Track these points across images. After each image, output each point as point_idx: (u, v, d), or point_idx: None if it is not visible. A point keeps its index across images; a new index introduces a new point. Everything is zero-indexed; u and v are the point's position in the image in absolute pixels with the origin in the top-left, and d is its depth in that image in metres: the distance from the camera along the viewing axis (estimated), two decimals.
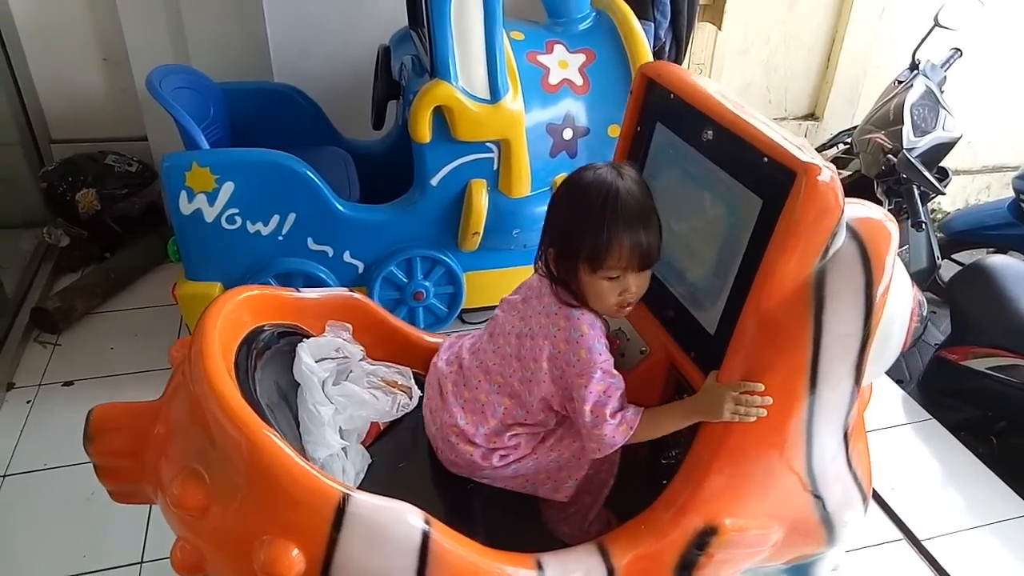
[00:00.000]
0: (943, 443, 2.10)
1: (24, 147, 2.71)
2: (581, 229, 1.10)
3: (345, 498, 0.99)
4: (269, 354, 1.27)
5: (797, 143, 1.04)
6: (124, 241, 2.68)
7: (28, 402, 2.08)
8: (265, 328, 1.28)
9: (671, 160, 1.30)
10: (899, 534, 1.81)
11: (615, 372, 1.17)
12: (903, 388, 2.30)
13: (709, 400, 1.11)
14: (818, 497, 1.17)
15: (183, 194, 1.89)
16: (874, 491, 1.31)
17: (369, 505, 1.01)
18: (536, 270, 1.24)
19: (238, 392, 1.05)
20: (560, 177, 2.14)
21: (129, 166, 2.70)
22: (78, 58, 2.66)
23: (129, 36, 2.47)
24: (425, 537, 1.02)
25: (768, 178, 1.05)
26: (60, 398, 2.11)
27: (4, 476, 1.85)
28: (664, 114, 1.30)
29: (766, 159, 1.04)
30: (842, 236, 1.05)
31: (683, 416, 1.15)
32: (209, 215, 1.93)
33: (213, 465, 1.04)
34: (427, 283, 2.22)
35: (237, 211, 1.93)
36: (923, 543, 1.78)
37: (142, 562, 1.65)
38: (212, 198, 1.90)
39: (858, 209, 1.11)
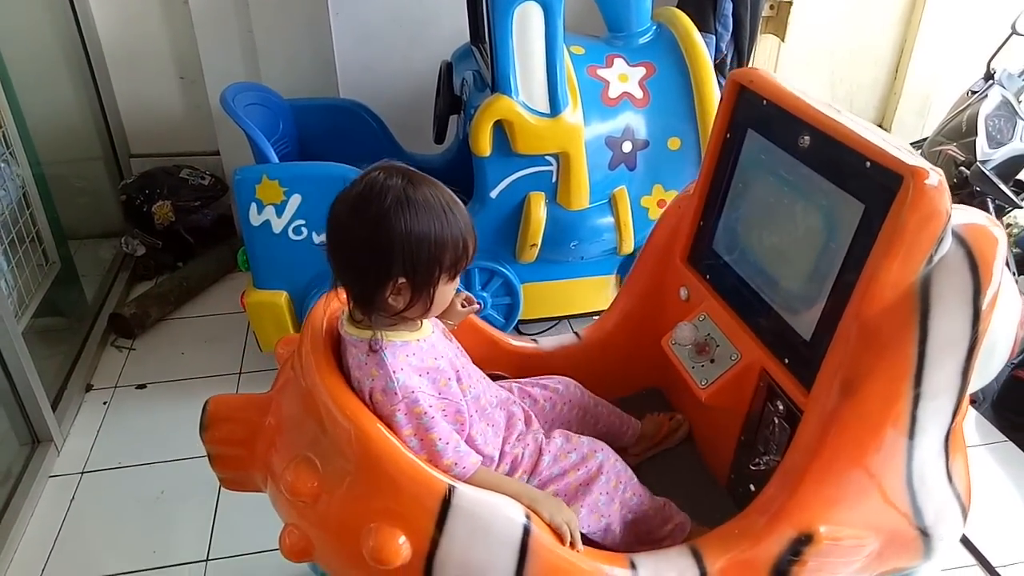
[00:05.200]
0: (1019, 466, 2.01)
1: (106, 161, 2.85)
2: (440, 241, 1.05)
3: (451, 490, 1.03)
4: None
5: (900, 146, 1.03)
6: (196, 251, 2.78)
7: (104, 403, 2.18)
8: None
9: (764, 167, 1.30)
10: (972, 560, 1.74)
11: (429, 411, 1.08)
12: (976, 408, 2.21)
13: (550, 501, 1.12)
14: (916, 509, 1.14)
15: (253, 206, 1.96)
16: None
17: (474, 499, 1.04)
18: (352, 317, 1.13)
19: (346, 384, 1.09)
20: (619, 190, 2.14)
21: (202, 179, 2.81)
22: (157, 77, 2.80)
23: (204, 56, 2.58)
24: (526, 532, 1.04)
25: (871, 182, 1.04)
26: (134, 400, 2.20)
27: (82, 473, 1.94)
28: (756, 120, 1.30)
29: (869, 163, 1.03)
30: (948, 241, 1.03)
31: (516, 494, 1.11)
32: (277, 226, 1.99)
33: (325, 454, 1.08)
34: (485, 294, 2.24)
35: (304, 222, 1.99)
36: (998, 570, 1.70)
37: (207, 560, 1.71)
38: (280, 210, 1.97)
39: (963, 215, 1.09)
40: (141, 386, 2.25)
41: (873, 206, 1.04)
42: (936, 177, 0.97)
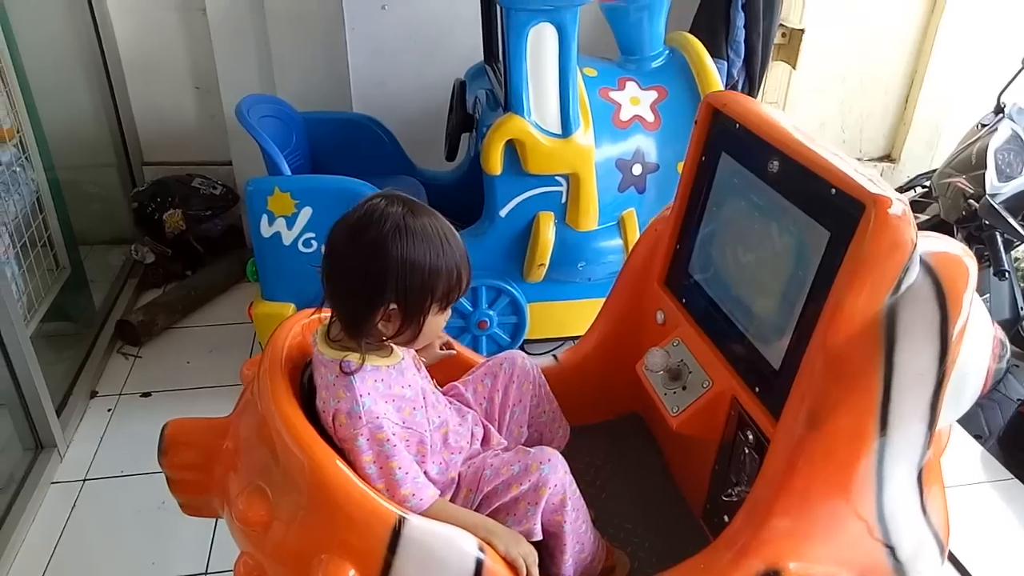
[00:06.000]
0: None
1: (119, 168, 2.87)
2: (434, 271, 1.06)
3: (401, 521, 1.01)
4: None
5: (867, 174, 1.01)
6: (205, 260, 2.79)
7: (109, 410, 2.18)
8: None
9: (736, 190, 1.29)
10: None
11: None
12: (982, 444, 2.19)
13: (508, 534, 1.10)
14: (889, 545, 1.12)
15: (264, 217, 1.97)
16: (950, 553, 1.24)
17: (425, 530, 1.02)
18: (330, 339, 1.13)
19: (301, 412, 1.07)
20: (628, 212, 2.15)
21: (214, 189, 2.83)
22: (173, 87, 2.83)
23: (220, 67, 2.61)
24: (479, 564, 1.02)
25: (836, 210, 1.03)
26: (138, 408, 2.20)
27: (84, 480, 1.94)
28: (729, 144, 1.30)
29: (834, 190, 1.02)
30: (915, 271, 1.01)
31: (473, 526, 1.09)
32: (287, 238, 2.00)
33: (276, 483, 1.07)
34: (491, 312, 2.24)
35: (314, 235, 2.00)
36: None
37: (206, 573, 1.70)
38: (291, 222, 1.98)
39: (934, 243, 1.07)
40: (146, 394, 2.25)
41: (838, 233, 1.03)
42: (900, 205, 0.95)
